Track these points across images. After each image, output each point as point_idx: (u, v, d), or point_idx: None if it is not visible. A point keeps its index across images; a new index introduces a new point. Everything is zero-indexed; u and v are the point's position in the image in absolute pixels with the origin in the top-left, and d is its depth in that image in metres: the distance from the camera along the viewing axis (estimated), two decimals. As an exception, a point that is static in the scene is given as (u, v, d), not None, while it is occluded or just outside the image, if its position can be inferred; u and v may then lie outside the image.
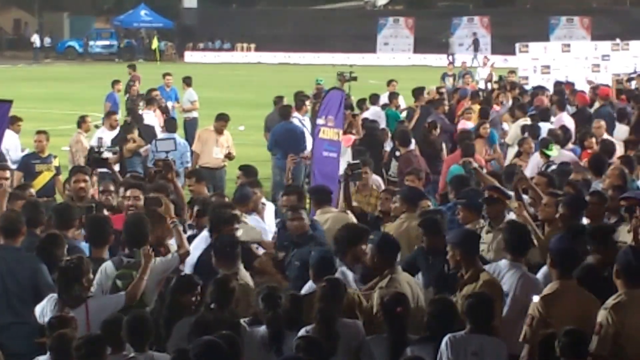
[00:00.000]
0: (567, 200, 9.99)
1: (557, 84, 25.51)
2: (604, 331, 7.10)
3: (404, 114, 22.20)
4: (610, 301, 7.25)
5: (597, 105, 21.22)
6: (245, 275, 8.80)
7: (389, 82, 25.42)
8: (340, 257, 8.92)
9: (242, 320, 7.85)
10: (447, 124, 20.05)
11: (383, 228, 10.72)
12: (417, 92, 22.81)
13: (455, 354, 7.31)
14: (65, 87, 47.69)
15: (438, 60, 59.96)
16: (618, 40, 33.08)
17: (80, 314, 7.94)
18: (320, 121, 13.69)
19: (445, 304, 7.74)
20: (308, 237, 9.92)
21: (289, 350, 7.43)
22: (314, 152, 13.80)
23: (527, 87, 26.62)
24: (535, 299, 7.63)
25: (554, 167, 13.85)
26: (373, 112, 21.46)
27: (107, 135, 17.11)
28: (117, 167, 13.44)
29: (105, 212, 10.28)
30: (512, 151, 17.40)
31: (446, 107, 21.57)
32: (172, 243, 9.46)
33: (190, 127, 23.87)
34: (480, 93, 24.53)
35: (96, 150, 12.69)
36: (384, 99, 23.06)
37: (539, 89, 24.06)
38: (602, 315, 7.17)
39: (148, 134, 18.08)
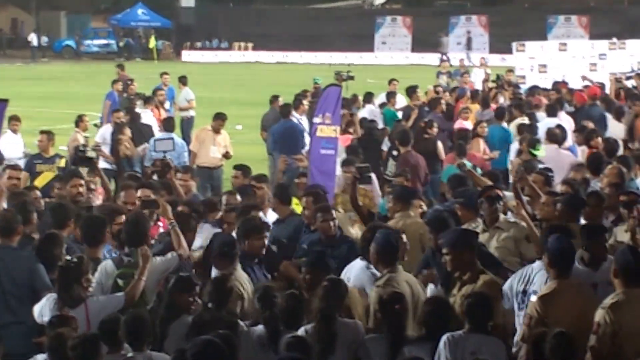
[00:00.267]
0: (565, 200, 10.01)
1: (556, 83, 25.49)
2: (602, 330, 7.11)
3: (400, 113, 22.15)
4: (608, 300, 7.26)
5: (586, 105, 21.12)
6: (241, 276, 8.76)
7: (390, 81, 25.23)
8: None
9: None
10: (445, 123, 20.00)
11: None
12: (411, 91, 22.78)
13: (453, 354, 7.30)
14: (62, 86, 47.65)
15: (436, 59, 59.80)
16: (615, 39, 33.06)
17: (80, 313, 7.94)
18: (317, 120, 13.65)
19: (441, 303, 7.75)
20: (339, 238, 10.05)
21: (287, 350, 7.45)
22: (311, 151, 13.78)
23: (524, 87, 26.60)
24: (533, 298, 7.63)
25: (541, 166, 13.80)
26: (369, 111, 21.43)
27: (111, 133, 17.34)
28: (115, 167, 13.45)
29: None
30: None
31: (443, 106, 21.54)
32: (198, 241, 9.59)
33: (187, 126, 23.88)
34: (480, 93, 24.49)
35: (81, 149, 12.71)
36: (382, 97, 23.03)
37: (535, 89, 24.04)
38: (599, 315, 7.17)
39: (146, 133, 18.09)
